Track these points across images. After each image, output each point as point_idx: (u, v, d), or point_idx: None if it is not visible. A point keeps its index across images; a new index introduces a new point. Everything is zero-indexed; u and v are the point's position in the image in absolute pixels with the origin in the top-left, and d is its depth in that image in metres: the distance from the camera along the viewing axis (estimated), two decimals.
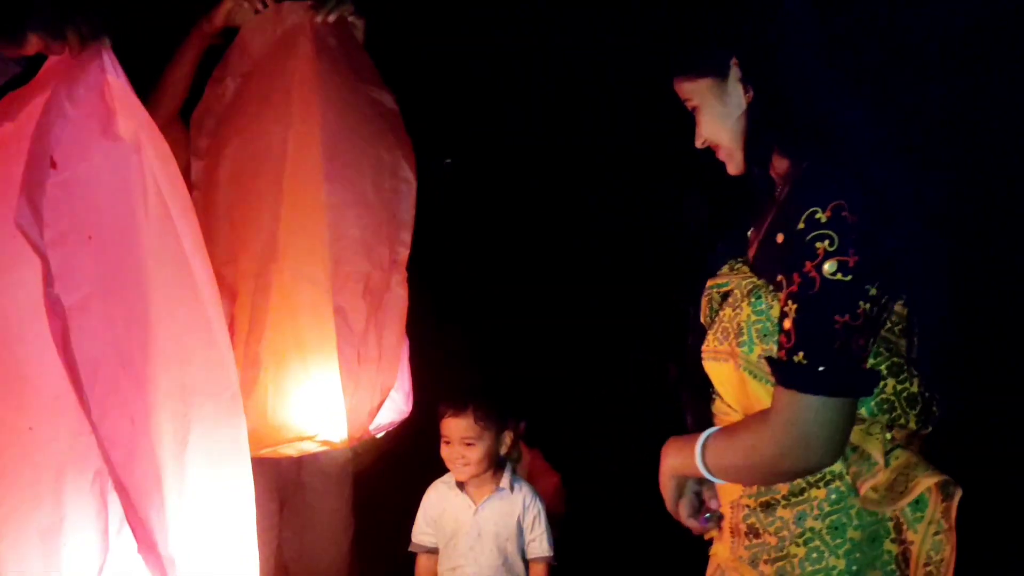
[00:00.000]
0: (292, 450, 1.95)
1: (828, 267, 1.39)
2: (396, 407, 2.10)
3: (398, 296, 1.99)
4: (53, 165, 1.38)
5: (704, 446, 1.53)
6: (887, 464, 1.47)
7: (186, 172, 1.87)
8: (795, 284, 1.42)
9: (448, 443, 2.57)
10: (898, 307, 1.49)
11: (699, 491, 1.63)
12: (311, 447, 1.94)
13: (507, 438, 2.64)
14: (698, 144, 1.64)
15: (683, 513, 1.63)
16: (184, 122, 2.03)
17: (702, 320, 1.64)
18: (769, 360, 1.46)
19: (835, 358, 1.41)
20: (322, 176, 1.88)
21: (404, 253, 2.00)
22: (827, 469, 1.48)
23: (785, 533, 1.51)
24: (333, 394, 1.88)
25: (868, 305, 1.40)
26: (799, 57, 1.53)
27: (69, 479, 1.40)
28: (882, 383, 1.47)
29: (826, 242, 1.39)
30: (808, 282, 1.40)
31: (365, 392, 1.91)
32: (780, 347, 1.44)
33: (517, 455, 3.91)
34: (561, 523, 3.24)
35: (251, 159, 1.93)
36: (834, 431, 1.43)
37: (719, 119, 1.58)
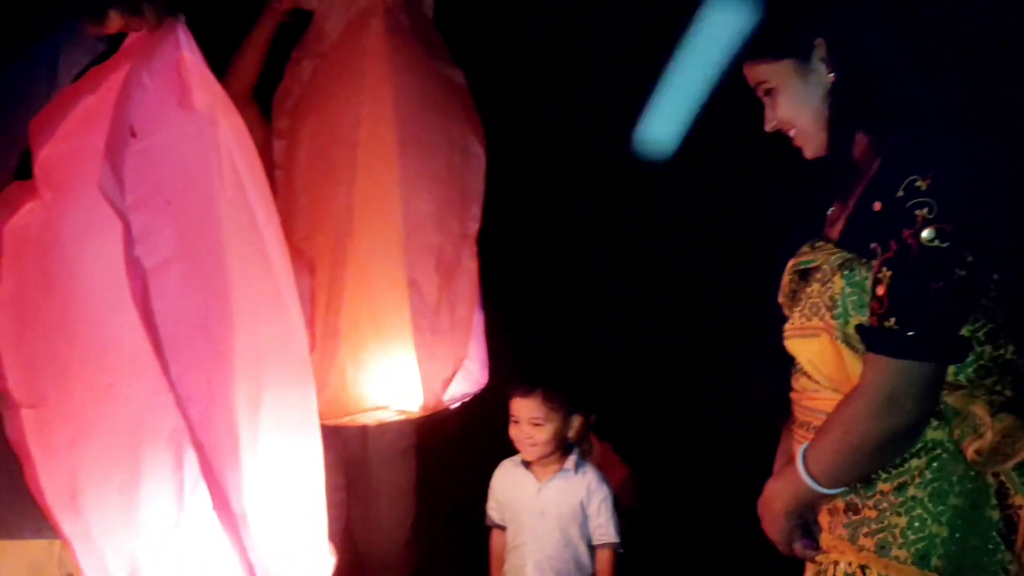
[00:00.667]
0: (369, 419, 1.98)
1: (927, 234, 1.40)
2: (472, 378, 2.13)
3: (469, 269, 2.02)
4: (133, 134, 1.43)
5: (804, 458, 1.53)
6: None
7: (261, 150, 1.92)
8: (891, 251, 1.43)
9: (516, 422, 2.58)
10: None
11: (804, 523, 1.61)
12: (387, 416, 1.98)
13: (575, 422, 2.63)
14: (769, 128, 1.64)
15: (797, 549, 1.61)
16: (259, 103, 2.08)
17: (780, 300, 1.65)
18: (859, 327, 1.47)
19: (926, 323, 1.42)
20: (395, 151, 1.92)
21: (474, 227, 2.03)
22: (928, 438, 1.48)
23: (885, 505, 1.50)
24: (408, 365, 1.92)
25: (964, 272, 1.41)
26: (883, 35, 1.54)
27: (146, 436, 1.44)
28: (980, 349, 1.48)
29: (925, 209, 1.41)
30: (905, 249, 1.42)
31: (439, 363, 1.95)
32: (872, 313, 1.45)
33: (588, 447, 3.91)
34: (631, 515, 3.25)
35: (327, 137, 1.97)
36: (923, 394, 1.44)
37: (801, 101, 1.58)
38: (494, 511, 2.69)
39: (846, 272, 1.50)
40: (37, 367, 1.43)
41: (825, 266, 1.53)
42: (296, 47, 2.02)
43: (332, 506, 2.89)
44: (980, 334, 1.47)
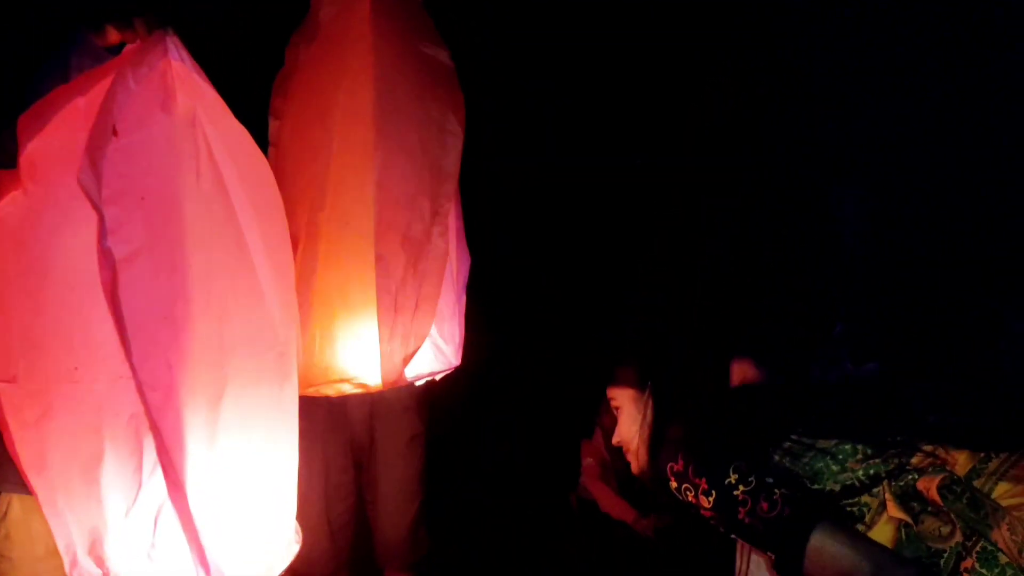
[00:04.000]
0: (332, 391, 1.93)
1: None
2: (444, 358, 2.08)
3: (438, 248, 1.95)
4: (115, 133, 1.44)
5: None
6: None
7: None
8: None
9: None
10: None
11: None
12: (348, 389, 1.93)
13: None
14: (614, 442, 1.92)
15: None
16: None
17: None
18: None
19: None
20: (370, 127, 1.87)
21: (447, 206, 1.97)
22: None
23: None
24: (371, 340, 1.88)
25: None
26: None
27: (107, 418, 1.43)
28: None
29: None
30: None
31: (399, 339, 1.89)
32: None
33: None
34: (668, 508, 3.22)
35: (309, 114, 1.95)
36: None
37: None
38: None
39: None
40: (10, 345, 1.43)
41: None
42: (294, 33, 2.01)
43: (339, 486, 2.93)
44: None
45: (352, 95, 1.89)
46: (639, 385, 1.90)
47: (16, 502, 1.78)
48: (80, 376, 1.42)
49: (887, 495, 1.49)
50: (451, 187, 1.98)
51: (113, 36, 1.58)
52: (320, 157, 1.90)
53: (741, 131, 3.41)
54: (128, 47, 1.58)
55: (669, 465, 1.73)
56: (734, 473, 1.59)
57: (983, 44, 2.82)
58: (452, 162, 1.97)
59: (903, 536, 1.48)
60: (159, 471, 1.44)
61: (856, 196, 3.17)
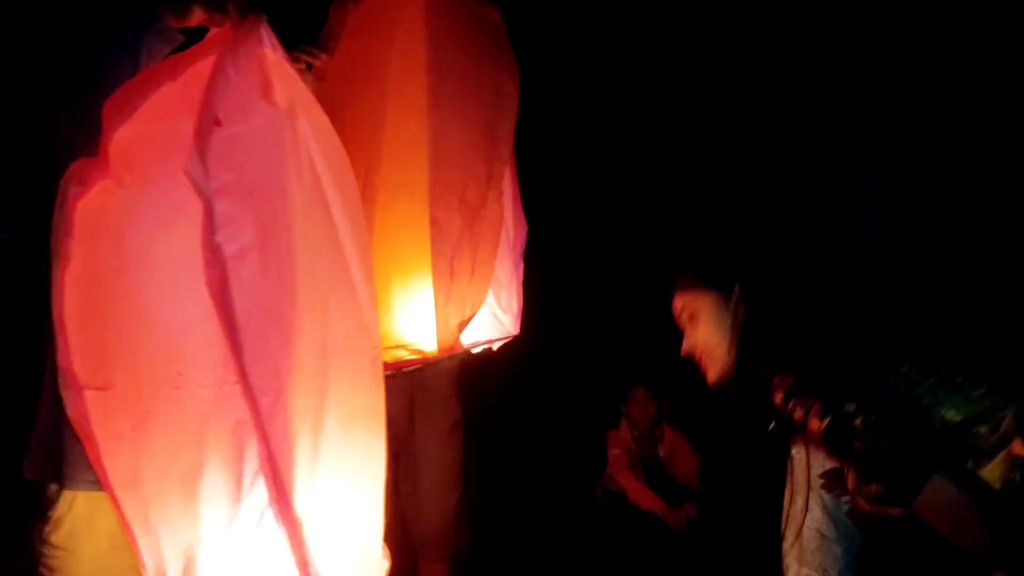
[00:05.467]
0: (388, 357, 1.82)
1: None
2: (502, 327, 2.00)
3: (494, 212, 1.87)
4: (217, 123, 1.33)
5: None
6: None
7: None
8: None
9: None
10: None
11: None
12: (404, 355, 1.84)
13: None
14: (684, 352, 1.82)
15: None
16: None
17: None
18: None
19: None
20: (425, 89, 1.79)
21: (502, 168, 1.89)
22: None
23: None
24: (427, 305, 1.80)
25: None
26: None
27: (211, 426, 1.32)
28: None
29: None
30: None
31: (455, 304, 1.81)
32: None
33: (660, 434, 3.81)
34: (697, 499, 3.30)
35: (360, 76, 1.85)
36: None
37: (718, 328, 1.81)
38: None
39: None
40: (105, 350, 1.31)
41: None
42: None
43: None
44: None
45: (405, 55, 1.80)
46: (721, 287, 1.74)
47: (82, 498, 1.65)
48: (184, 382, 1.30)
49: (1013, 428, 1.39)
50: (506, 151, 1.90)
51: (198, 18, 1.46)
52: (375, 119, 1.80)
53: (757, 129, 3.40)
54: (214, 32, 1.47)
55: (777, 378, 1.57)
56: (852, 403, 1.47)
57: (996, 36, 2.79)
58: (507, 125, 1.90)
59: (1018, 477, 1.40)
60: (259, 482, 1.34)
61: (878, 190, 3.13)
